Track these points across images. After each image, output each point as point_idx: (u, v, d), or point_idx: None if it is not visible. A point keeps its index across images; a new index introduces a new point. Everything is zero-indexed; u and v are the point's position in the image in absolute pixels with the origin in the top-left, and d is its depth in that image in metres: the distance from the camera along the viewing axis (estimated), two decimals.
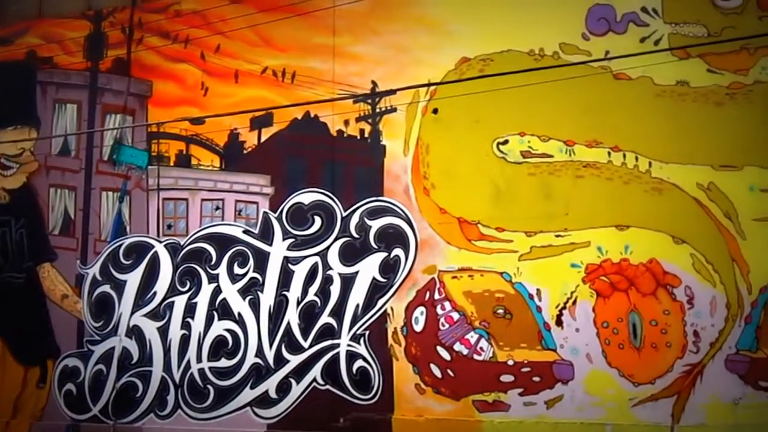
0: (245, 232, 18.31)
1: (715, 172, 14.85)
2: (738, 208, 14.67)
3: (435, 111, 16.87)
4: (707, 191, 14.87)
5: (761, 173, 14.55)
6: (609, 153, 15.53)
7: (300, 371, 17.42)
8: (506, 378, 15.95)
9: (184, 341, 18.24)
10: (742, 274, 14.60)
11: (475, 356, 16.25)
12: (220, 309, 18.14)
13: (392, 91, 17.14)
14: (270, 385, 17.57)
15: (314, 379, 17.31)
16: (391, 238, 17.07)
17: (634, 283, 15.26)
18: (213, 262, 18.43)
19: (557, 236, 15.77)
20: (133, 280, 18.89)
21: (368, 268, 17.15)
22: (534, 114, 15.99)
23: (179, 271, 18.60)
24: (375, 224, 17.25)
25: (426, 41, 17.12)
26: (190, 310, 18.33)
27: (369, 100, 17.49)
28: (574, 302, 15.66)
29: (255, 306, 17.93)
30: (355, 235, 17.31)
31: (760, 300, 14.48)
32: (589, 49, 15.75)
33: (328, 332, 17.27)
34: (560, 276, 15.70)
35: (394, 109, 17.26)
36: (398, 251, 17.02)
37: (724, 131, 14.79)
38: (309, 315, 17.43)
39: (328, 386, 17.09)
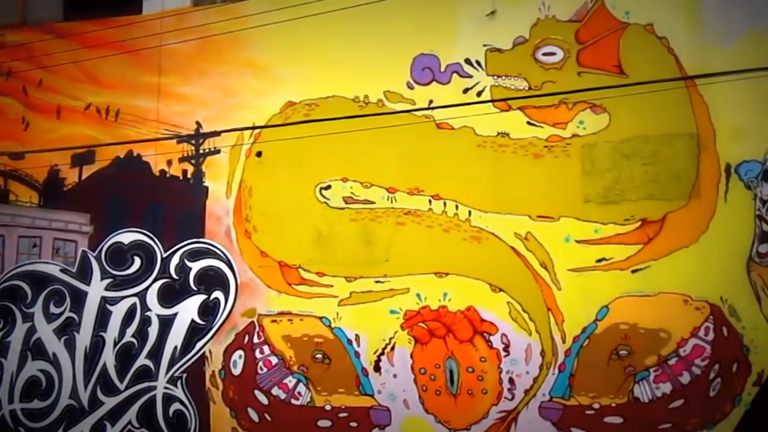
0: (62, 270, 17.29)
1: (532, 222, 14.51)
2: (554, 258, 14.35)
3: (259, 154, 16.25)
4: (525, 241, 14.52)
5: (577, 225, 14.27)
6: (430, 201, 15.07)
7: (115, 414, 16.51)
8: (323, 423, 15.33)
9: None
10: (556, 323, 14.29)
11: (293, 401, 15.61)
12: (34, 349, 17.08)
13: (216, 133, 16.50)
14: (84, 427, 16.60)
15: (129, 422, 16.40)
16: (211, 280, 16.33)
17: (452, 330, 14.79)
18: (28, 301, 17.36)
19: (377, 282, 15.21)
20: None
21: (187, 310, 16.36)
22: (357, 160, 15.44)
23: None
24: (195, 266, 16.48)
25: (253, 84, 16.48)
26: (2, 349, 17.20)
27: (193, 141, 16.76)
28: (393, 348, 15.11)
29: (70, 346, 16.91)
30: (175, 277, 16.53)
31: (574, 348, 14.16)
32: (413, 97, 15.31)
33: (145, 374, 16.40)
34: (379, 322, 15.12)
35: (217, 151, 16.57)
36: (218, 294, 16.29)
37: (542, 183, 14.47)
38: (126, 356, 16.55)
39: (143, 429, 16.17)
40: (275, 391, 15.70)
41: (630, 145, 14.07)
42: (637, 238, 13.97)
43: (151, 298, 16.62)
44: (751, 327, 13.27)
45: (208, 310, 16.28)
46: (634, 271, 13.94)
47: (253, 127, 16.24)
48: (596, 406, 13.99)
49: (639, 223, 13.96)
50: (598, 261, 14.11)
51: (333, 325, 15.44)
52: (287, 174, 15.89)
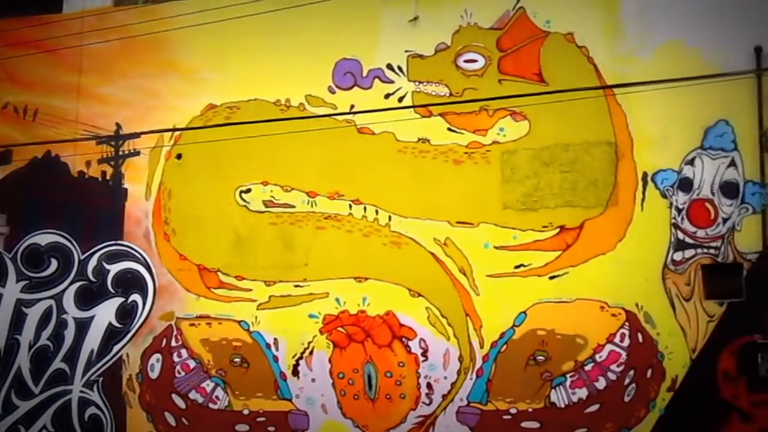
0: None
1: (452, 228, 14.26)
2: (473, 263, 14.12)
3: (179, 156, 15.84)
4: (444, 246, 14.28)
5: (496, 231, 14.06)
6: (350, 205, 14.78)
7: (29, 418, 15.97)
8: (241, 427, 14.97)
9: None
10: (474, 329, 14.05)
11: (211, 405, 15.23)
12: None
13: (136, 134, 16.02)
14: None
15: (44, 427, 15.91)
16: (129, 283, 15.89)
17: (371, 334, 14.51)
18: None
19: (296, 286, 14.88)
20: None
21: (104, 313, 15.90)
22: (277, 164, 15.14)
23: None
24: (113, 268, 16.01)
25: (175, 86, 16.05)
26: None
27: (112, 142, 16.26)
28: (311, 352, 14.78)
29: None
30: (93, 279, 16.07)
31: (491, 354, 13.94)
32: (334, 102, 15.02)
33: (61, 378, 15.90)
34: (298, 326, 14.80)
35: (137, 153, 16.10)
36: (136, 297, 15.83)
37: (462, 189, 14.25)
38: (41, 360, 16.01)
39: None
40: (193, 395, 15.31)
41: (549, 153, 13.90)
42: (555, 244, 13.79)
43: (68, 300, 16.13)
44: (666, 333, 13.17)
45: (126, 313, 15.83)
46: (551, 278, 13.76)
47: (173, 129, 15.80)
48: (513, 411, 13.77)
49: (557, 230, 13.79)
50: (517, 267, 13.91)
51: (251, 329, 15.06)
52: (207, 177, 15.51)
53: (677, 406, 13.00)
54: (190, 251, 15.61)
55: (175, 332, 15.50)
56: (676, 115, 13.33)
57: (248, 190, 15.27)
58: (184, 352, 15.43)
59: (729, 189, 13.09)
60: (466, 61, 14.41)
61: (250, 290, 15.10)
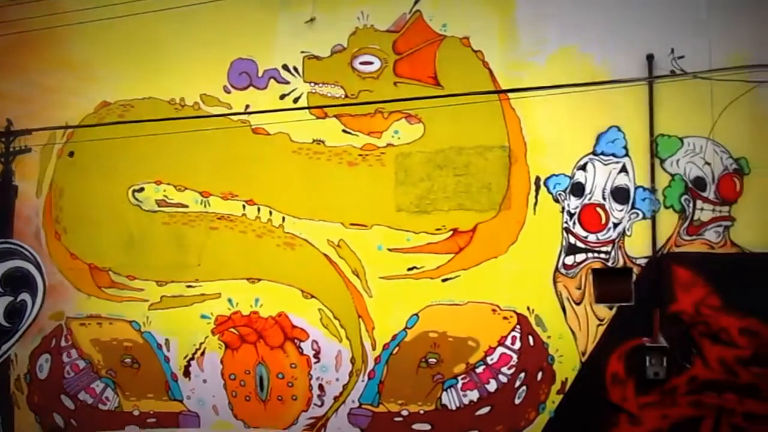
0: None
1: (345, 230, 11.79)
2: (366, 265, 11.66)
3: (71, 154, 12.95)
4: (337, 248, 11.78)
5: (389, 233, 11.59)
6: (244, 206, 12.18)
7: None
8: (131, 429, 12.12)
9: None
10: (367, 330, 11.61)
11: (101, 405, 12.39)
12: None
13: (27, 131, 13.12)
14: None
15: None
16: (18, 281, 12.91)
17: (263, 335, 11.95)
18: None
19: (188, 287, 12.20)
20: None
21: None
22: (171, 163, 12.50)
23: None
24: (1, 267, 12.92)
25: (69, 83, 13.10)
26: None
27: (2, 139, 13.19)
28: (203, 353, 12.09)
29: None
30: None
31: (384, 356, 11.52)
32: (229, 102, 12.39)
33: None
34: (189, 326, 12.12)
35: (28, 150, 13.13)
36: (25, 296, 12.82)
37: (356, 191, 11.83)
38: None
39: None
40: (82, 395, 12.52)
41: (443, 156, 11.54)
42: (448, 247, 11.43)
43: None
44: (556, 336, 10.98)
45: (15, 312, 12.87)
46: (444, 280, 11.37)
47: (66, 127, 12.96)
48: (405, 413, 11.41)
49: (450, 232, 11.45)
50: (410, 269, 11.51)
51: (143, 329, 12.35)
52: (100, 175, 12.75)
53: (567, 408, 10.89)
54: (81, 250, 12.78)
55: (65, 332, 12.69)
56: (569, 121, 11.16)
57: (141, 189, 12.66)
58: (73, 352, 12.62)
59: (620, 194, 10.97)
60: (362, 63, 11.98)
61: (142, 290, 12.42)
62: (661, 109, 10.86)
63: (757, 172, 10.60)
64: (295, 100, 12.01)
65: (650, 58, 10.91)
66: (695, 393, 10.52)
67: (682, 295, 10.67)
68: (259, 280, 11.93)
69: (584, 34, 11.21)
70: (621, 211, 11.02)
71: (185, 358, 12.11)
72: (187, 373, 12.08)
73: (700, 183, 10.75)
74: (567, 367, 11.01)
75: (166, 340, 12.17)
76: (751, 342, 10.41)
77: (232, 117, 12.11)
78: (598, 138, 11.09)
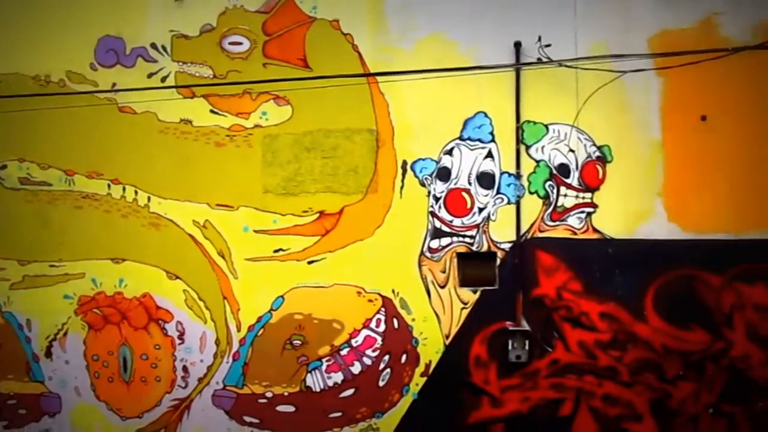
0: None
1: (212, 210, 8.40)
2: (232, 247, 8.36)
3: None
4: (203, 229, 8.42)
5: (256, 215, 8.35)
6: (109, 185, 8.58)
7: None
8: None
9: None
10: (232, 312, 8.34)
11: None
12: None
13: None
14: None
15: None
16: None
17: (127, 316, 8.48)
18: None
19: (51, 266, 8.56)
20: None
21: None
22: (35, 140, 8.63)
23: None
24: None
25: None
26: None
27: None
28: (65, 334, 8.56)
29: None
30: None
31: (248, 337, 8.31)
32: (96, 79, 8.65)
33: None
34: (52, 307, 8.51)
35: None
36: None
37: (223, 172, 8.39)
38: None
39: None
40: None
41: (311, 138, 8.30)
42: (315, 230, 8.25)
43: None
44: (421, 319, 8.12)
45: None
46: (310, 263, 8.26)
47: None
48: (269, 394, 8.29)
49: (317, 215, 8.27)
50: (276, 251, 8.28)
51: (3, 309, 8.64)
52: None
53: (430, 390, 8.05)
54: None
55: None
56: (437, 106, 8.10)
57: (4, 167, 8.74)
58: None
59: (485, 179, 8.13)
60: (231, 44, 8.46)
61: (3, 269, 8.67)
62: (527, 97, 7.75)
63: (619, 160, 7.74)
64: (163, 79, 8.34)
65: (518, 45, 7.70)
66: (556, 376, 7.58)
67: (544, 279, 7.71)
68: (124, 260, 8.31)
69: (453, 21, 7.87)
70: (486, 196, 7.89)
71: (47, 338, 8.40)
72: (49, 354, 8.42)
73: (564, 170, 7.78)
74: (431, 349, 7.80)
75: (28, 320, 8.46)
76: (611, 326, 7.49)
77: (98, 95, 8.35)
78: (465, 123, 7.87)
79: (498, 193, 7.97)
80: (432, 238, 7.99)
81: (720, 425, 7.62)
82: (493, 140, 7.99)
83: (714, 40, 7.50)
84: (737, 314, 7.56)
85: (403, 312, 8.01)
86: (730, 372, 7.55)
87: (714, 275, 7.58)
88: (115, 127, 8.32)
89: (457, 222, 7.96)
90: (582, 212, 7.81)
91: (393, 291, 8.00)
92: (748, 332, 7.56)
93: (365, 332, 8.07)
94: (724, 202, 7.59)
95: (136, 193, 8.30)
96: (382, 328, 8.05)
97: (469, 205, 7.99)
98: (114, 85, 8.40)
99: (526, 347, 7.73)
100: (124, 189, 8.30)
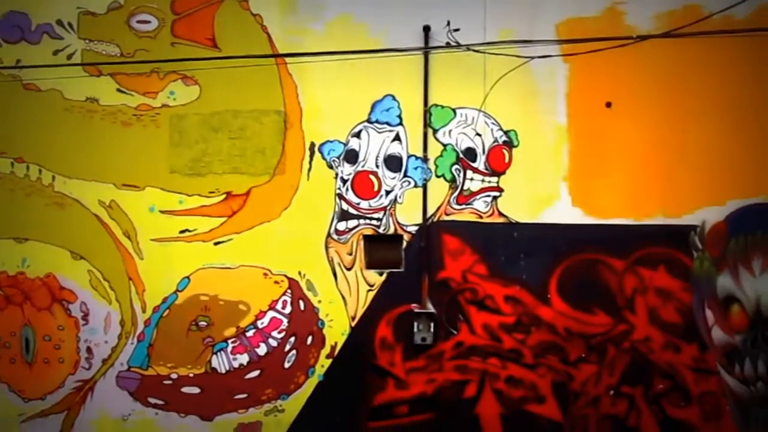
0: None
1: (117, 190, 8.26)
2: (137, 227, 8.24)
3: None
4: (108, 209, 8.28)
5: (162, 195, 8.24)
6: (12, 164, 8.36)
7: None
8: None
9: None
10: (137, 293, 8.22)
11: None
12: None
13: None
14: None
15: None
16: None
17: (30, 297, 8.28)
18: None
19: None
20: None
21: None
22: None
23: None
24: None
25: None
26: None
27: None
28: None
29: None
30: None
31: (154, 318, 8.22)
32: (0, 56, 8.34)
33: None
34: None
35: None
36: None
37: (129, 151, 8.25)
38: None
39: None
40: None
41: (219, 119, 8.20)
42: (221, 211, 8.16)
43: None
44: (327, 301, 8.13)
45: None
46: (216, 244, 8.16)
47: None
48: (174, 376, 8.19)
49: (224, 196, 8.18)
50: (182, 232, 8.19)
51: None
52: None
53: (336, 372, 8.05)
54: None
55: None
56: (345, 88, 8.08)
57: None
58: None
59: (393, 162, 8.13)
60: (138, 22, 8.30)
61: None
62: (435, 80, 7.77)
63: (525, 145, 7.82)
64: (69, 57, 8.17)
65: (427, 29, 7.71)
66: (461, 358, 7.65)
67: (450, 262, 7.77)
68: (27, 239, 8.13)
69: (362, 3, 7.89)
70: (393, 179, 7.88)
71: None
72: None
73: (470, 154, 7.83)
74: (337, 331, 7.81)
75: None
76: (515, 309, 7.60)
77: (2, 71, 8.24)
78: (373, 106, 7.86)
79: (405, 176, 7.97)
80: (339, 221, 7.98)
81: (621, 406, 7.78)
82: (400, 123, 7.98)
83: (619, 29, 7.59)
84: (639, 298, 7.70)
85: (309, 294, 7.98)
86: (631, 354, 7.72)
87: (617, 259, 7.70)
88: (19, 104, 8.13)
89: (364, 204, 7.97)
90: (488, 196, 7.90)
91: (299, 273, 7.99)
92: (649, 316, 7.70)
93: (271, 314, 8.01)
94: (628, 187, 7.71)
95: (40, 171, 8.11)
96: (288, 309, 8.01)
97: (376, 188, 7.98)
98: (18, 61, 8.18)
99: (432, 329, 7.80)
100: (27, 168, 8.10)
